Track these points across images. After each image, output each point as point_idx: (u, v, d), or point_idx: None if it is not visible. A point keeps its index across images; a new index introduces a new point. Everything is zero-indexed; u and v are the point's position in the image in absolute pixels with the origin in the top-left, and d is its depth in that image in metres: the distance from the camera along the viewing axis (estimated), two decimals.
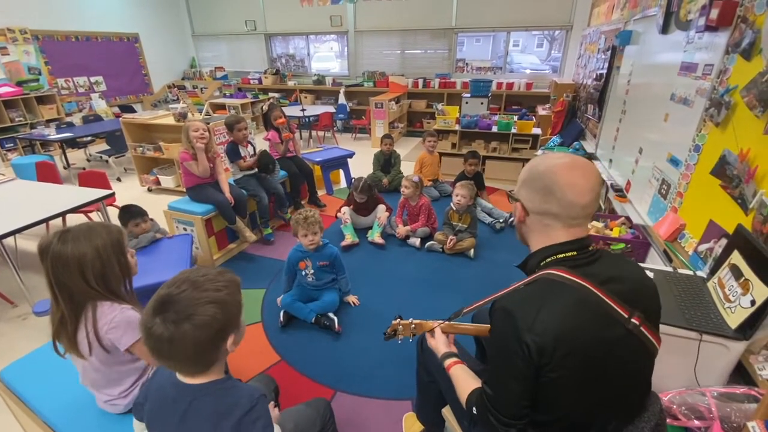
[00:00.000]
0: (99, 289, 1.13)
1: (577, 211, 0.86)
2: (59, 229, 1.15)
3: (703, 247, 1.72)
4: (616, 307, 0.81)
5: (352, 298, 2.54)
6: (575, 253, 0.88)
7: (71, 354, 1.18)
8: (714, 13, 1.81)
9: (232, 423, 0.84)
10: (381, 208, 3.42)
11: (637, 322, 0.82)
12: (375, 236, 3.27)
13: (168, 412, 0.88)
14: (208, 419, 0.84)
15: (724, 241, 1.58)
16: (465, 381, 1.06)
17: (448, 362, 1.14)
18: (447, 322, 1.22)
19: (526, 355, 0.78)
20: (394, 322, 1.22)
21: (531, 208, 0.92)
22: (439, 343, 1.20)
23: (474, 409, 0.95)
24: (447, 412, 1.31)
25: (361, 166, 4.80)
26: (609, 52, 3.82)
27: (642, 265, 1.61)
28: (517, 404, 0.84)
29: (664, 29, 2.49)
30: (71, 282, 1.09)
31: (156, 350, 0.80)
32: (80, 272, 1.09)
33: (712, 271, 1.53)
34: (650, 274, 1.00)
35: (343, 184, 4.80)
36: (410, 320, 1.22)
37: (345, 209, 3.40)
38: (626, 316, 0.81)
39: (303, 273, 2.36)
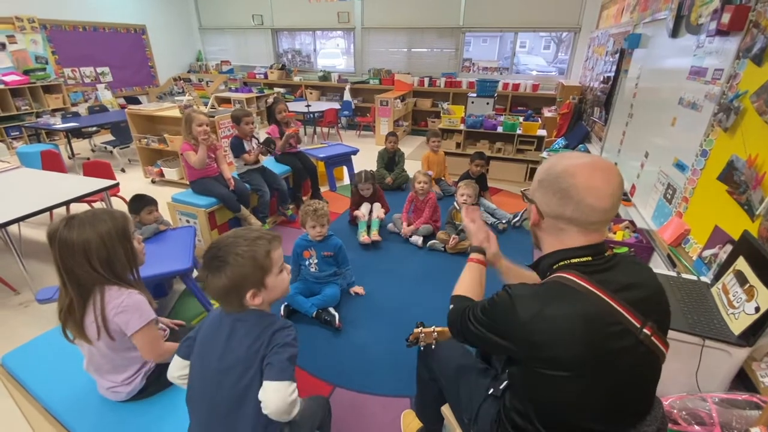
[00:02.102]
0: (105, 274, 1.14)
1: (597, 216, 0.83)
2: (67, 215, 1.15)
3: (707, 253, 1.71)
4: (628, 316, 0.79)
5: (357, 289, 2.59)
6: (590, 258, 0.85)
7: (78, 339, 1.18)
8: (726, 18, 1.80)
9: (269, 333, 1.01)
10: (377, 206, 3.43)
11: (648, 332, 0.80)
12: (372, 233, 3.27)
13: (217, 332, 1.04)
14: (251, 331, 1.01)
15: (729, 247, 1.57)
16: (467, 282, 1.14)
17: (474, 256, 1.19)
18: None
19: (508, 341, 0.84)
20: (416, 330, 1.21)
21: (546, 211, 0.88)
22: (479, 231, 1.25)
23: (451, 306, 1.05)
24: (446, 410, 1.31)
25: (365, 163, 4.79)
26: (617, 55, 3.80)
27: None
28: (475, 341, 0.95)
29: (674, 33, 2.48)
30: (78, 267, 1.10)
31: (199, 281, 1.05)
32: (86, 258, 1.10)
33: (716, 277, 1.53)
34: None
35: (347, 180, 4.79)
36: (432, 327, 1.21)
37: (364, 206, 3.39)
38: (638, 325, 0.79)
39: (307, 263, 2.40)
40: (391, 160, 4.55)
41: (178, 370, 1.11)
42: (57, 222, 1.12)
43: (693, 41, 2.20)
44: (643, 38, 3.12)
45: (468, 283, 1.13)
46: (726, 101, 1.77)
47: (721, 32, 1.88)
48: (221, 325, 1.04)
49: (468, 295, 1.09)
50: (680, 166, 2.13)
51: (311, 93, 7.83)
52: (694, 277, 1.64)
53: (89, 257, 1.10)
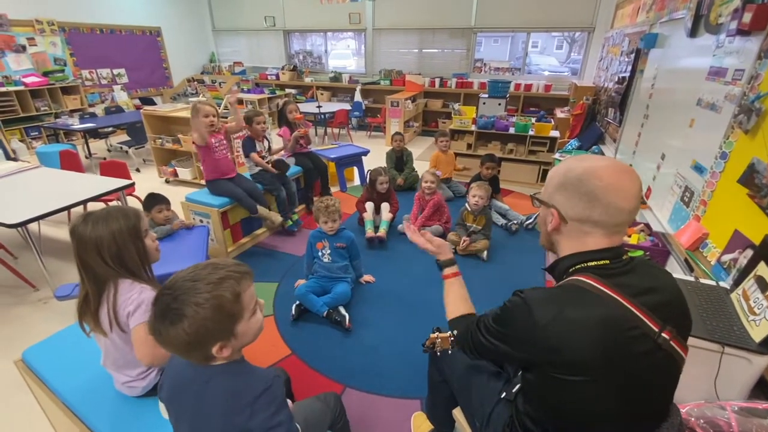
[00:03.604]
0: (117, 269, 1.17)
1: (623, 218, 0.82)
2: (87, 211, 1.21)
3: (726, 258, 1.67)
4: (646, 320, 0.78)
5: (368, 278, 2.72)
6: (608, 261, 0.84)
7: (95, 332, 1.21)
8: (747, 17, 1.76)
9: (246, 402, 0.84)
10: (385, 206, 3.45)
11: (667, 337, 0.78)
12: (381, 231, 3.29)
13: (185, 391, 0.90)
14: (223, 398, 0.85)
15: (749, 252, 1.53)
16: (458, 300, 1.15)
17: (448, 270, 1.21)
18: None
19: (523, 347, 0.83)
20: (432, 335, 1.22)
21: (571, 215, 0.86)
22: (442, 244, 1.27)
23: (455, 331, 1.06)
24: (458, 413, 1.30)
25: (375, 164, 4.76)
26: (633, 55, 3.74)
27: None
28: (486, 358, 1.02)
29: (693, 33, 2.43)
30: (92, 261, 1.14)
31: (152, 334, 0.82)
32: (98, 253, 1.14)
33: (736, 283, 1.49)
34: None
35: (357, 181, 4.80)
36: (449, 333, 1.21)
37: (369, 205, 3.43)
38: (656, 330, 0.78)
39: (320, 253, 2.48)
40: (399, 159, 4.55)
41: (165, 412, 1.06)
42: (77, 217, 1.17)
43: (712, 41, 2.16)
44: (660, 38, 3.07)
45: (458, 301, 1.13)
46: (747, 102, 1.73)
47: (741, 32, 1.83)
48: (190, 382, 0.89)
49: (465, 313, 1.09)
50: (698, 169, 2.09)
51: (322, 94, 7.87)
52: (713, 282, 1.61)
53: (101, 252, 1.14)
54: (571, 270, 0.87)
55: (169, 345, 0.81)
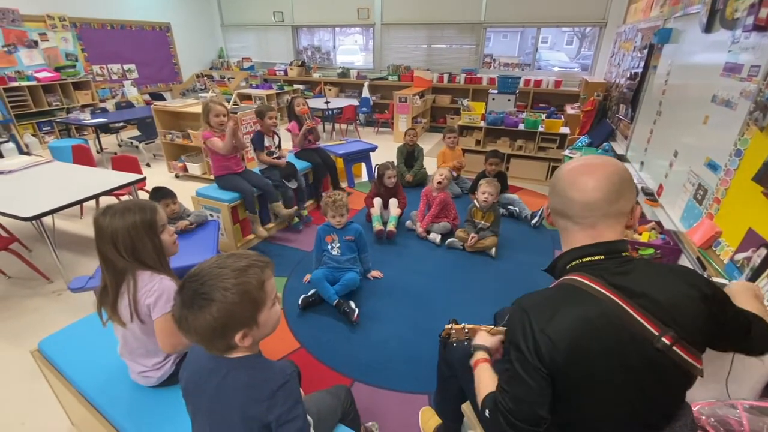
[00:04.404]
0: (132, 261, 1.19)
1: (583, 211, 0.83)
2: (108, 204, 1.23)
3: (740, 256, 1.65)
4: (645, 323, 0.75)
5: (375, 273, 2.73)
6: (602, 257, 0.83)
7: (113, 322, 1.24)
8: (764, 12, 1.73)
9: (265, 395, 0.85)
10: (393, 201, 3.47)
11: (668, 342, 0.75)
12: (390, 226, 3.30)
13: (204, 382, 0.91)
14: (242, 391, 0.86)
15: (763, 251, 1.52)
16: (488, 381, 0.98)
17: (477, 357, 1.09)
18: (496, 327, 1.19)
19: (536, 356, 0.77)
20: (447, 326, 1.24)
21: (550, 206, 0.94)
22: (496, 339, 1.13)
23: (487, 411, 0.88)
24: (467, 407, 1.31)
25: (383, 160, 4.78)
26: (646, 51, 3.69)
27: None
28: (530, 406, 0.78)
29: (708, 28, 2.39)
30: (109, 252, 1.17)
31: (176, 322, 0.84)
32: (113, 245, 1.16)
33: (750, 282, 1.48)
34: None
35: (365, 177, 4.81)
36: (463, 325, 1.22)
37: (377, 200, 3.46)
38: (657, 333, 0.75)
39: (329, 247, 2.52)
40: (410, 155, 4.54)
41: None
42: (100, 209, 1.20)
43: (728, 36, 2.12)
44: (674, 33, 3.02)
45: (487, 382, 0.98)
46: (763, 99, 1.70)
47: (758, 27, 1.80)
48: (209, 373, 0.90)
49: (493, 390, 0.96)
50: (712, 166, 2.06)
51: (330, 90, 7.87)
52: (726, 281, 1.59)
53: (116, 245, 1.16)
54: (567, 267, 0.87)
55: (194, 333, 0.82)
